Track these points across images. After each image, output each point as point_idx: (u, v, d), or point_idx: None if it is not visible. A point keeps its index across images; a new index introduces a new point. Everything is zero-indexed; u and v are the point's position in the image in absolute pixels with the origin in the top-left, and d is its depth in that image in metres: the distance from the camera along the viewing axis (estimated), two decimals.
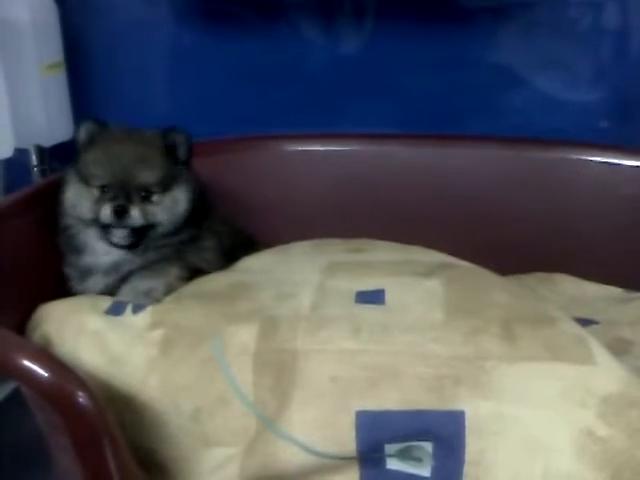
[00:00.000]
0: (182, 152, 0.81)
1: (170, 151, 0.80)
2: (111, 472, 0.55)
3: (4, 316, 0.67)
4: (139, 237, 0.77)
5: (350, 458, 0.57)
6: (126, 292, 0.75)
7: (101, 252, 0.78)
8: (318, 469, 0.57)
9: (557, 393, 0.57)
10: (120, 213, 0.75)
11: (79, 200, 0.78)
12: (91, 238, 0.78)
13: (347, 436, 0.56)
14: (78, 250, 0.79)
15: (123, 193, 0.76)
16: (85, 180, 0.78)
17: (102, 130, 0.79)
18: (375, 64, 1.11)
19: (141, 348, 0.65)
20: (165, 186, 0.78)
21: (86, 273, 0.78)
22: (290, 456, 0.57)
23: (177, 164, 0.80)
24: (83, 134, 0.79)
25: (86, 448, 0.55)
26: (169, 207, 0.78)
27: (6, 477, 0.92)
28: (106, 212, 0.75)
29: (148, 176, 0.77)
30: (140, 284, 0.75)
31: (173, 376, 0.63)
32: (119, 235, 0.76)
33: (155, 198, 0.77)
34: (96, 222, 0.77)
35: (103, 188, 0.77)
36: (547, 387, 0.57)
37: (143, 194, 0.77)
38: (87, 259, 0.78)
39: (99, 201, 0.76)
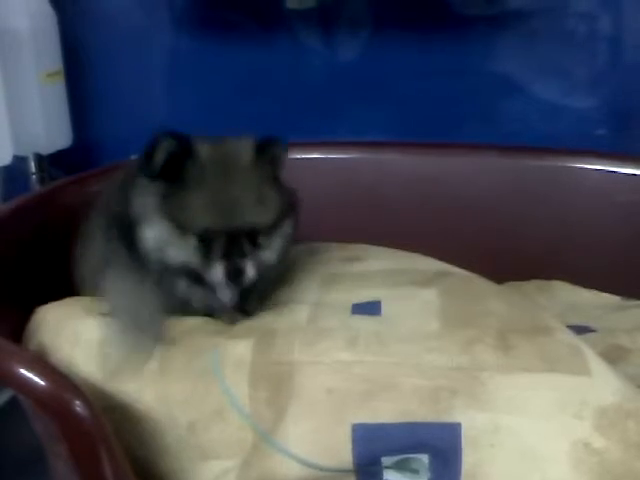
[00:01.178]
0: (279, 168, 0.65)
1: (268, 168, 0.64)
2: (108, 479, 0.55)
3: (0, 324, 0.67)
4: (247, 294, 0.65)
5: (347, 470, 0.57)
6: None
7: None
8: None
9: (552, 404, 0.57)
10: (237, 274, 0.61)
11: (168, 246, 0.63)
12: (184, 288, 0.65)
13: (343, 449, 0.56)
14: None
15: (233, 244, 0.61)
16: (179, 223, 0.62)
17: (187, 151, 0.62)
18: (373, 72, 1.12)
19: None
20: (276, 223, 0.64)
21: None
22: (287, 469, 0.57)
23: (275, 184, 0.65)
24: (162, 156, 0.61)
25: (83, 456, 0.55)
26: (279, 247, 0.64)
27: None
28: (217, 273, 0.61)
29: (263, 217, 0.63)
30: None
31: (169, 389, 0.62)
32: (227, 295, 0.64)
33: (263, 240, 0.63)
34: (190, 272, 0.63)
35: (204, 236, 0.62)
36: (542, 398, 0.57)
37: (253, 240, 0.62)
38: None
39: (202, 254, 0.62)
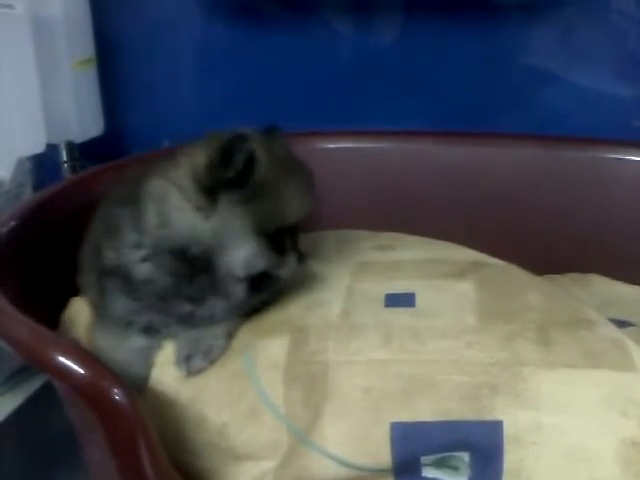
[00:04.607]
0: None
1: None
2: (145, 468, 0.54)
3: (38, 312, 0.67)
4: None
5: (385, 470, 0.56)
6: (184, 345, 0.65)
7: None
8: None
9: (597, 401, 0.55)
10: (302, 259, 0.65)
11: (258, 259, 0.61)
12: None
13: (382, 448, 0.55)
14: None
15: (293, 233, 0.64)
16: (262, 229, 0.61)
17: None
18: (407, 60, 1.10)
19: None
20: None
21: None
22: (324, 469, 0.56)
23: None
24: (241, 163, 0.59)
25: (120, 444, 0.55)
26: None
27: (34, 476, 0.92)
28: (291, 265, 0.63)
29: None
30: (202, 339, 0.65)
31: (203, 390, 0.62)
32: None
33: None
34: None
35: (276, 233, 0.62)
36: (586, 395, 0.56)
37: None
38: None
39: (275, 251, 0.62)
